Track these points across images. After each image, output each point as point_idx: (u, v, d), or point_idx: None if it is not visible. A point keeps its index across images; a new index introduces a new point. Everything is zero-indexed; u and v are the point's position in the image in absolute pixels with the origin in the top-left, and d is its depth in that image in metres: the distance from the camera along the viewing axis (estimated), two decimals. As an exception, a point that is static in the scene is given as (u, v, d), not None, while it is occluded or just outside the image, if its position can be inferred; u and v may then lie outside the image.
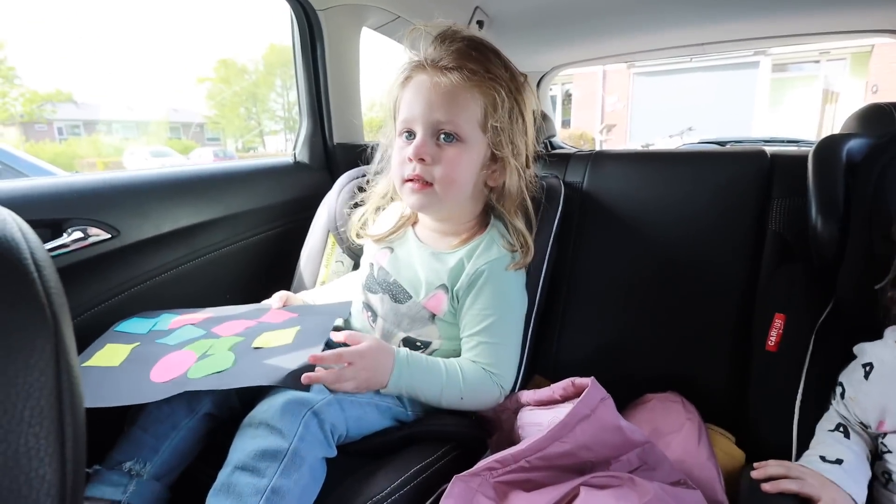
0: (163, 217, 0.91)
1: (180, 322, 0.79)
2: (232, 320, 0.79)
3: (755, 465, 0.64)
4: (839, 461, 0.62)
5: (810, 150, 0.84)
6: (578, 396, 0.62)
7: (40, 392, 0.23)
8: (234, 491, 0.52)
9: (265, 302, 0.87)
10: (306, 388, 0.59)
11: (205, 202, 1.00)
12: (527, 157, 0.79)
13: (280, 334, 0.71)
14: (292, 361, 0.62)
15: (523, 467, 0.58)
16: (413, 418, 0.73)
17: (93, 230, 0.81)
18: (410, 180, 0.72)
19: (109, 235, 0.83)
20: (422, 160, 0.70)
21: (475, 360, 0.73)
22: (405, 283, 0.79)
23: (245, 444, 0.55)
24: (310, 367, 0.62)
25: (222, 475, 0.54)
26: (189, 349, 0.69)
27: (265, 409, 0.58)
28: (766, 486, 0.61)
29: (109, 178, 0.88)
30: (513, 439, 0.70)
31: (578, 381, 0.65)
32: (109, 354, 0.69)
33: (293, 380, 0.59)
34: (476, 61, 0.69)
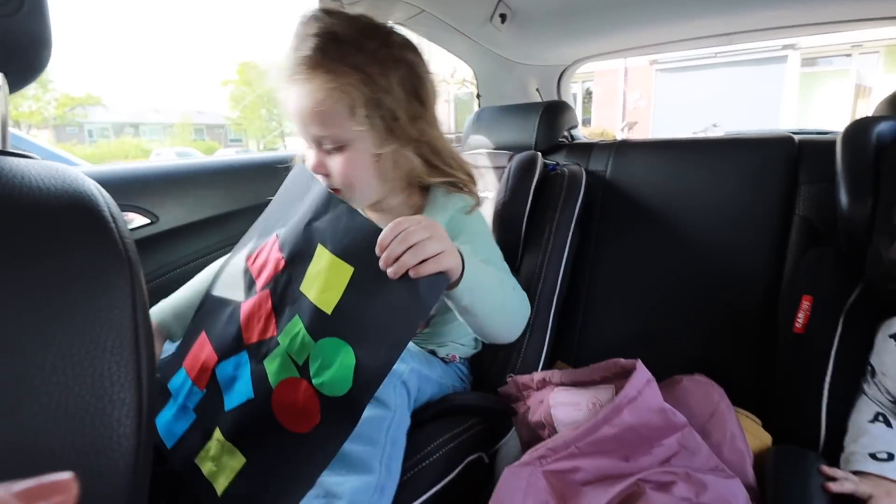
0: (198, 204, 0.96)
1: (193, 370, 0.60)
2: (240, 322, 0.58)
3: (823, 468, 0.62)
4: (891, 456, 0.60)
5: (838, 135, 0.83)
6: (618, 378, 0.62)
7: (120, 326, 0.25)
8: (351, 460, 0.53)
9: (208, 269, 0.77)
10: (441, 289, 0.50)
11: (237, 191, 1.03)
12: (411, 118, 0.69)
13: (318, 271, 0.54)
14: (391, 287, 0.48)
15: (572, 453, 0.59)
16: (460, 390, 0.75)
17: (135, 215, 0.85)
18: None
19: (149, 221, 0.87)
20: (321, 174, 0.70)
21: None
22: None
23: None
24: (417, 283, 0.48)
25: None
26: (284, 380, 0.51)
27: None
28: (830, 486, 0.60)
29: (150, 167, 0.93)
30: (538, 418, 0.71)
31: (623, 361, 0.65)
32: None
33: (428, 296, 0.47)
34: (323, 66, 0.64)
